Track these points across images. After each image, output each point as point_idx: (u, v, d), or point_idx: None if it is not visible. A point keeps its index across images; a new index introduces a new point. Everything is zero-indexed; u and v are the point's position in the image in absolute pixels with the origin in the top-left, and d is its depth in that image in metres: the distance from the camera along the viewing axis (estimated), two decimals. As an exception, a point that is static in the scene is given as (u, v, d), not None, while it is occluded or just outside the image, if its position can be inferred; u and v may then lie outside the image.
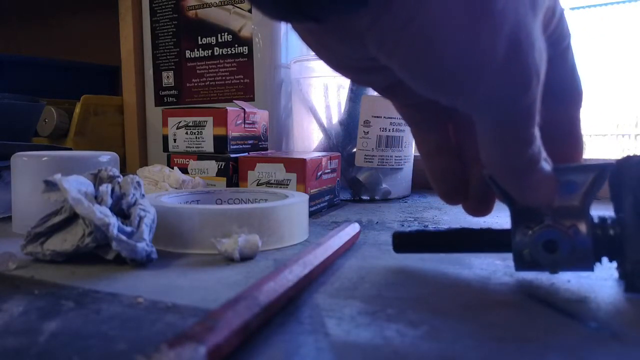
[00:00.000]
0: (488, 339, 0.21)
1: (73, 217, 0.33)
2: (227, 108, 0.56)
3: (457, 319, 0.24)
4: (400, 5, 0.21)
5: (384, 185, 0.64)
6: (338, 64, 0.26)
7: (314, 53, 0.26)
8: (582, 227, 0.26)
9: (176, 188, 0.50)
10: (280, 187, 0.51)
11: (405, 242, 0.33)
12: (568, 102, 0.27)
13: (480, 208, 0.30)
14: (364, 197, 0.64)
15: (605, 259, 0.27)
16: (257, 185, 0.53)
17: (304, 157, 0.52)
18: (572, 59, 0.26)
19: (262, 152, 0.60)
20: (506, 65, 0.21)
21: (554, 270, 0.27)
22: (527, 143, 0.23)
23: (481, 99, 0.22)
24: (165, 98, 0.82)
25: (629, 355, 0.20)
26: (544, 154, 0.25)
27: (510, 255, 0.35)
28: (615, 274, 0.30)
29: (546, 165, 0.25)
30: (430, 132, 0.29)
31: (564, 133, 0.28)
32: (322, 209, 0.56)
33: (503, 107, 0.22)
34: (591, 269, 0.27)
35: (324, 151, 0.64)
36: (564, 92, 0.27)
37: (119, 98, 0.87)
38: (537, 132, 0.24)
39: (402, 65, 0.22)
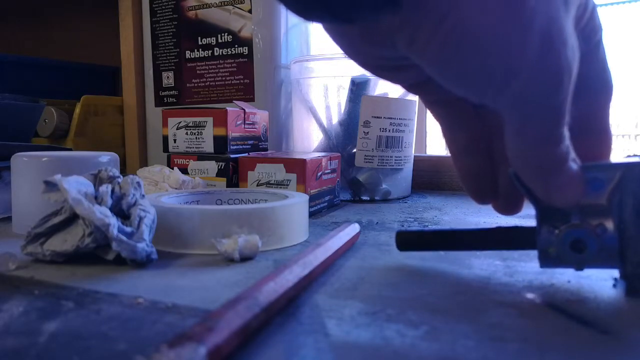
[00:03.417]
0: (488, 339, 0.21)
1: (73, 218, 0.33)
2: (227, 108, 0.56)
3: (457, 319, 0.24)
4: (433, 3, 0.21)
5: (383, 186, 0.64)
6: (366, 63, 0.26)
7: (342, 51, 0.26)
8: (609, 226, 0.26)
9: (176, 188, 0.50)
10: (280, 188, 0.51)
11: (413, 239, 0.33)
12: (598, 97, 0.27)
13: (510, 207, 0.30)
14: (364, 198, 0.64)
15: None
16: (257, 185, 0.53)
17: (304, 158, 0.52)
18: (604, 53, 0.26)
19: (262, 153, 0.60)
20: (538, 63, 0.21)
21: (579, 268, 0.27)
22: (556, 142, 0.23)
23: (511, 97, 0.22)
24: (165, 98, 0.82)
25: (629, 355, 0.20)
26: (572, 154, 0.24)
27: (510, 255, 0.35)
28: (616, 274, 0.30)
29: (574, 165, 0.25)
30: (459, 130, 0.29)
31: (593, 129, 0.27)
32: (322, 210, 0.56)
33: (533, 105, 0.22)
34: (618, 266, 0.27)
35: (324, 151, 0.64)
36: (595, 87, 0.27)
37: (119, 98, 0.87)
38: (566, 131, 0.23)
39: (433, 62, 0.22)
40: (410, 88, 0.28)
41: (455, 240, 0.32)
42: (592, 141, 0.27)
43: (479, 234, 0.31)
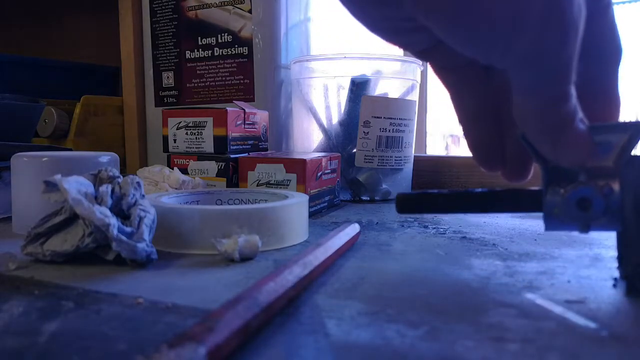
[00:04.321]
0: (488, 339, 0.21)
1: (73, 218, 0.33)
2: (227, 109, 0.56)
3: (457, 319, 0.24)
4: None
5: (383, 186, 0.64)
6: (375, 26, 0.26)
7: (350, 13, 0.26)
8: (616, 187, 0.26)
9: (176, 188, 0.50)
10: (280, 188, 0.51)
11: (414, 201, 0.32)
12: (607, 60, 0.27)
13: (519, 173, 0.30)
14: (364, 198, 0.64)
15: None
16: (257, 185, 0.53)
17: (304, 158, 0.52)
18: (613, 16, 0.26)
19: (262, 153, 0.60)
20: (544, 17, 0.21)
21: (584, 229, 0.26)
22: (563, 100, 0.23)
23: (518, 53, 0.22)
24: (165, 98, 0.82)
25: (629, 355, 0.20)
26: (580, 114, 0.24)
27: (510, 255, 0.35)
28: (616, 274, 0.30)
29: (582, 125, 0.25)
30: (468, 97, 0.29)
31: (601, 91, 0.27)
32: (322, 210, 0.56)
33: (540, 61, 0.22)
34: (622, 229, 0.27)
35: (324, 152, 0.64)
36: (604, 49, 0.27)
37: (119, 98, 0.86)
38: (573, 90, 0.23)
39: (439, 21, 0.23)
40: (419, 54, 0.28)
41: (458, 202, 0.31)
42: (601, 105, 0.27)
43: (483, 196, 0.30)
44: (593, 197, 0.26)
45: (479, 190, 0.30)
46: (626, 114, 0.79)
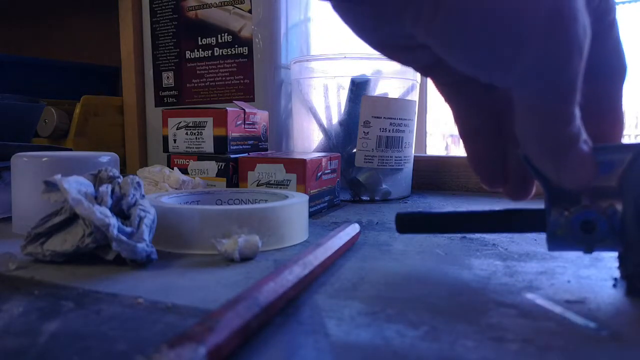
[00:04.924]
0: (488, 340, 0.21)
1: (73, 218, 0.33)
2: (227, 109, 0.56)
3: (457, 319, 0.24)
4: None
5: (383, 186, 0.64)
6: (377, 43, 0.26)
7: (352, 31, 0.26)
8: (619, 207, 0.26)
9: (176, 188, 0.50)
10: (280, 188, 0.51)
11: (414, 221, 0.32)
12: (611, 78, 0.27)
13: (520, 191, 0.29)
14: (364, 198, 0.64)
15: None
16: (257, 185, 0.53)
17: (304, 158, 0.52)
18: (617, 33, 0.26)
19: (262, 153, 0.60)
20: (546, 38, 0.21)
21: (588, 250, 0.26)
22: (566, 121, 0.23)
23: (519, 73, 0.22)
24: (165, 98, 0.82)
25: (629, 355, 0.20)
26: (584, 136, 0.24)
27: (510, 255, 0.35)
28: (616, 274, 0.30)
29: (585, 146, 0.24)
30: (470, 113, 0.29)
31: (605, 109, 0.27)
32: (322, 210, 0.56)
33: (542, 80, 0.22)
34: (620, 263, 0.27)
35: (324, 152, 0.64)
36: (608, 67, 0.26)
37: (119, 98, 0.86)
38: (577, 111, 0.23)
39: (438, 39, 0.22)
40: (421, 70, 0.28)
41: (459, 223, 0.31)
42: (603, 123, 0.27)
43: (485, 216, 0.30)
44: (597, 219, 0.26)
45: (480, 210, 0.30)
46: (626, 116, 0.79)
